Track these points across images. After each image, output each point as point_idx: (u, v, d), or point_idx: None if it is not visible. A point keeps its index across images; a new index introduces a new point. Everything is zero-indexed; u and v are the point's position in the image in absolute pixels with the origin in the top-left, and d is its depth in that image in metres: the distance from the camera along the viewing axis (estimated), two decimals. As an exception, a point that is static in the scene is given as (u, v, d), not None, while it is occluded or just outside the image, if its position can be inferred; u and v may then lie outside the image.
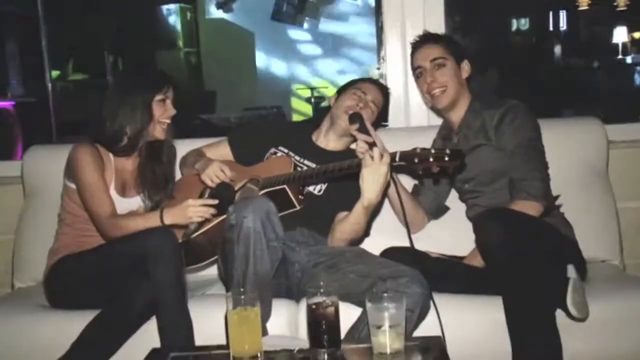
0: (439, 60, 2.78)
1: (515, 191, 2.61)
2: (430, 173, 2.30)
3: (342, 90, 2.99)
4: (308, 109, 7.74)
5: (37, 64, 4.75)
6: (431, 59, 2.78)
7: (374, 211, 2.67)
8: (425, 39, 2.86)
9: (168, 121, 2.75)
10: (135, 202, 2.78)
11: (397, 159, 2.35)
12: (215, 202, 2.60)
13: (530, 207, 2.55)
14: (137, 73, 2.91)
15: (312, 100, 7.62)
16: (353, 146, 2.73)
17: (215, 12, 8.11)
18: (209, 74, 8.33)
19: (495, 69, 6.01)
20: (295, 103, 8.03)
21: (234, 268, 2.38)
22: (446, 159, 2.24)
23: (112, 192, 2.69)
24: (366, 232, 2.80)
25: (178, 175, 3.00)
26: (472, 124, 2.79)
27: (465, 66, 2.82)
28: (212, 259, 2.70)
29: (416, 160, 2.28)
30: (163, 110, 2.73)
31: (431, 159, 2.25)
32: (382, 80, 3.43)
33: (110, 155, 2.73)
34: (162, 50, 8.13)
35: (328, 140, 2.96)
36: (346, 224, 2.65)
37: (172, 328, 2.37)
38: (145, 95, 2.68)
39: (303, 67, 8.11)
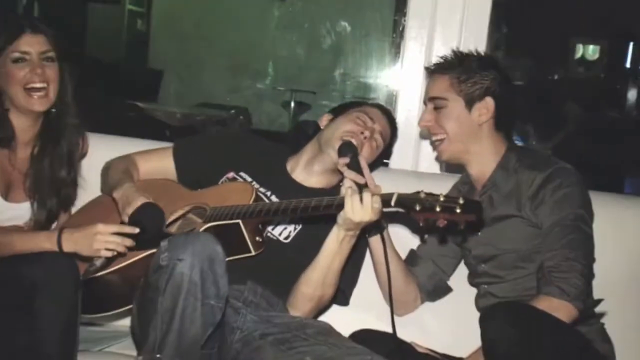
0: (438, 101, 2.85)
1: (545, 283, 2.61)
2: (435, 227, 2.33)
3: (340, 111, 3.07)
4: (284, 118, 7.74)
5: None
6: (431, 97, 2.87)
7: (356, 258, 2.82)
8: (434, 67, 2.94)
9: (40, 85, 2.77)
10: (25, 208, 2.82)
11: (392, 203, 2.40)
12: (135, 231, 2.60)
13: (560, 308, 2.54)
14: None
15: (292, 106, 7.60)
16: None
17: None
18: (158, 47, 8.28)
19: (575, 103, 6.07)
20: (268, 106, 8.04)
21: (151, 325, 2.38)
22: (458, 210, 2.25)
23: None
24: (343, 297, 2.93)
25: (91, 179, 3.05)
26: (501, 186, 2.84)
27: (486, 107, 2.84)
28: (127, 307, 2.70)
29: (418, 208, 2.31)
30: (28, 69, 2.76)
31: (438, 209, 2.27)
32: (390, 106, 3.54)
33: None
34: (97, 3, 8.07)
35: (309, 173, 3.04)
36: (313, 272, 2.72)
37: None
38: None
39: (289, 60, 8.03)
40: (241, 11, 7.73)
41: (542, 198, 2.71)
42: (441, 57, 2.93)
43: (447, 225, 2.28)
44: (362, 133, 2.91)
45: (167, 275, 2.36)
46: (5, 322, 2.42)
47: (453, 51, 2.94)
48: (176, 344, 2.36)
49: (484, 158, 2.88)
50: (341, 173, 2.78)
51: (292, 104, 7.44)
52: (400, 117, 3.56)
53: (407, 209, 2.35)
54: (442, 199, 2.29)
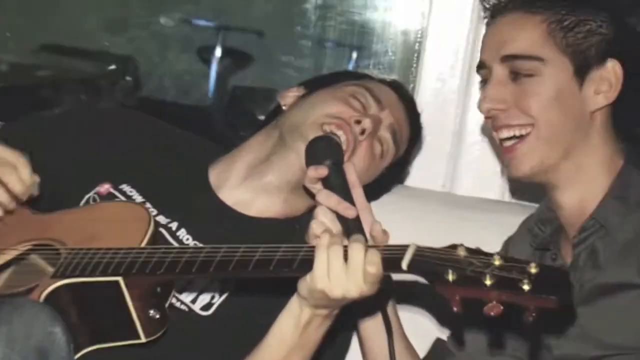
0: (522, 63, 2.43)
1: None
2: (479, 314, 1.88)
3: (322, 83, 2.73)
4: (204, 82, 6.71)
5: None
6: (505, 55, 2.48)
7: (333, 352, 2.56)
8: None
9: None
10: None
11: (405, 266, 2.02)
12: None
13: None
14: None
15: (217, 57, 6.57)
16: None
17: None
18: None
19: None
20: (176, 59, 6.93)
21: None
22: (526, 287, 1.83)
23: None
24: None
25: None
26: (615, 230, 2.41)
27: (604, 79, 2.41)
28: None
29: (451, 278, 1.91)
30: None
31: (489, 281, 1.86)
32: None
33: None
34: None
35: (255, 189, 2.65)
36: None
37: None
38: None
39: None
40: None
41: None
42: None
43: (504, 312, 1.83)
44: (357, 123, 2.52)
45: None
46: None
47: None
48: None
49: (589, 177, 2.41)
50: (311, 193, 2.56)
51: (219, 54, 6.52)
52: (423, 97, 3.12)
53: (432, 278, 1.95)
54: (497, 262, 1.89)
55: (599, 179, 2.44)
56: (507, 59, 2.42)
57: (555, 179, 2.46)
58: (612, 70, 2.39)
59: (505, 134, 2.43)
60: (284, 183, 2.61)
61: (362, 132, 2.54)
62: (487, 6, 2.58)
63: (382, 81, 2.80)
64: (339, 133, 2.51)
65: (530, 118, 2.39)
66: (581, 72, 2.38)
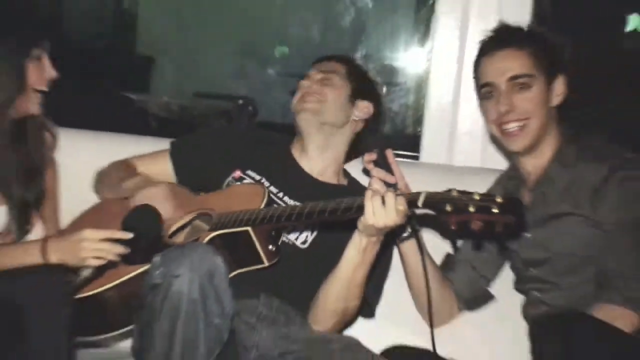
0: (523, 79, 2.81)
1: (607, 290, 2.60)
2: (469, 231, 2.28)
3: None
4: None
5: None
6: (510, 76, 2.82)
7: (382, 265, 2.84)
8: (505, 39, 2.89)
9: (46, 89, 2.79)
10: (1, 212, 2.83)
11: (420, 203, 2.34)
12: (128, 236, 2.60)
13: (623, 318, 2.52)
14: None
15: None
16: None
17: None
18: (148, 29, 8.26)
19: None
20: (279, 96, 7.49)
21: (151, 350, 2.38)
22: (495, 210, 2.19)
23: None
24: (370, 310, 2.94)
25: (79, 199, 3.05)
26: (557, 180, 2.83)
27: (560, 86, 2.85)
28: (128, 328, 2.68)
29: (449, 209, 2.25)
30: (40, 73, 2.78)
31: (472, 209, 2.21)
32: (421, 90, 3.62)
33: None
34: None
35: (310, 158, 3.09)
36: (334, 284, 2.72)
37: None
38: (16, 53, 2.72)
39: (303, 41, 7.89)
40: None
41: (605, 193, 2.69)
42: (506, 29, 2.93)
43: (483, 227, 2.23)
44: (303, 101, 3.04)
45: (162, 295, 2.33)
46: None
47: (502, 26, 2.97)
48: None
49: (544, 148, 2.87)
50: (337, 149, 3.08)
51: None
52: (431, 104, 3.61)
53: (437, 211, 2.29)
54: (477, 197, 2.23)
55: (549, 150, 2.85)
56: (512, 78, 2.79)
57: (529, 150, 2.84)
58: (563, 82, 2.83)
59: (511, 125, 2.81)
60: (315, 145, 3.09)
61: (303, 97, 3.03)
62: (484, 42, 2.95)
63: (323, 58, 3.21)
64: (303, 107, 3.03)
65: (528, 114, 2.78)
66: (549, 83, 2.81)
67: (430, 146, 3.58)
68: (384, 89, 6.44)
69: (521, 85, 2.81)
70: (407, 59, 6.69)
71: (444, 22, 3.59)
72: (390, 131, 6.20)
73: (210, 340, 2.37)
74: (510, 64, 2.82)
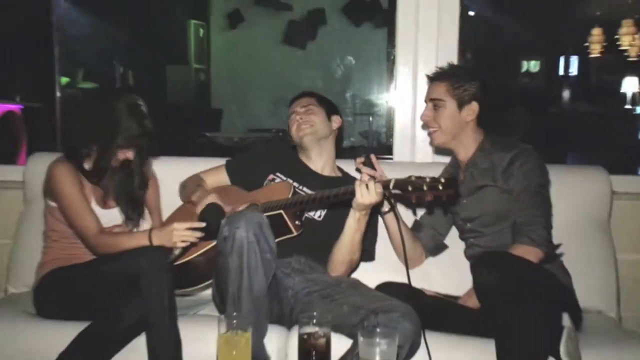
0: (437, 102, 2.73)
1: (518, 235, 2.58)
2: (425, 202, 2.26)
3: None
4: None
5: (48, 70, 4.63)
6: (431, 98, 2.75)
7: (372, 225, 2.75)
8: (435, 75, 2.82)
9: None
10: (116, 212, 2.76)
11: (391, 186, 2.30)
12: (202, 225, 2.56)
13: (530, 253, 2.51)
14: (103, 94, 2.86)
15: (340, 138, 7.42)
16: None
17: (228, 31, 8.12)
18: (217, 92, 8.28)
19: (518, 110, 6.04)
20: None
21: (229, 281, 2.33)
22: (440, 187, 2.16)
23: (94, 206, 2.67)
24: (369, 255, 2.84)
25: (174, 201, 3.02)
26: (479, 164, 2.74)
27: (473, 109, 2.74)
28: (208, 282, 2.66)
29: (410, 188, 2.21)
30: None
31: (425, 188, 2.18)
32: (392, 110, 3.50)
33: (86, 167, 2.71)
34: (173, 65, 8.08)
35: (314, 162, 2.99)
36: (341, 244, 2.63)
37: (161, 345, 2.34)
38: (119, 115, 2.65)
39: (312, 89, 7.98)
40: (274, 59, 7.70)
41: (512, 171, 2.64)
42: (439, 68, 2.82)
43: (434, 199, 2.21)
44: (300, 128, 2.93)
45: (231, 241, 2.32)
46: (122, 299, 2.40)
47: (448, 64, 2.86)
48: (249, 293, 2.33)
49: (468, 145, 2.79)
50: (333, 152, 3.02)
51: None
52: (398, 123, 3.54)
53: (403, 190, 2.25)
54: (428, 180, 2.20)
55: (472, 145, 2.76)
56: (431, 99, 2.73)
57: (452, 147, 2.79)
58: (474, 106, 2.72)
59: (430, 129, 2.75)
60: (316, 152, 2.96)
61: (298, 124, 2.92)
62: (427, 80, 2.84)
63: (295, 98, 3.06)
64: (301, 133, 2.91)
65: (438, 125, 2.72)
66: (460, 106, 2.70)
67: (399, 151, 3.48)
68: (370, 118, 6.53)
69: (435, 105, 2.74)
70: (380, 96, 6.70)
71: (402, 71, 3.48)
72: (373, 143, 6.21)
73: (266, 268, 2.36)
74: (434, 90, 2.76)
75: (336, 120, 2.99)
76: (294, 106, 2.97)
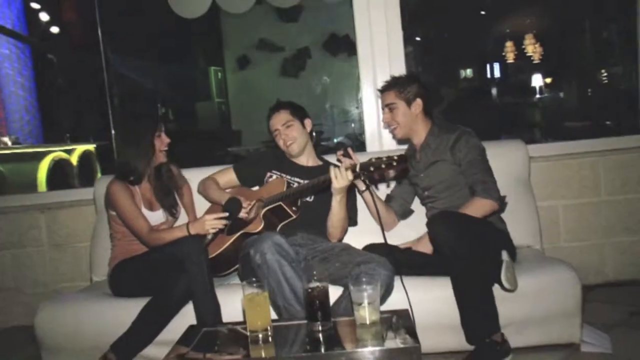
0: (390, 105, 2.65)
1: (476, 192, 2.48)
2: (387, 177, 2.22)
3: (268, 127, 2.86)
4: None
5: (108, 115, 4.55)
6: (386, 104, 2.67)
7: (352, 199, 2.67)
8: (383, 87, 2.72)
9: (166, 148, 2.70)
10: (161, 213, 2.69)
11: (357, 169, 2.20)
12: (225, 214, 2.49)
13: (488, 205, 2.44)
14: (135, 123, 2.82)
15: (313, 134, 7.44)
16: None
17: (239, 71, 8.08)
18: (236, 117, 8.26)
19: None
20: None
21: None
22: (394, 163, 2.07)
23: (144, 210, 2.63)
24: (354, 221, 2.74)
25: (205, 202, 2.92)
26: (431, 145, 2.65)
27: (418, 103, 2.64)
28: (234, 268, 2.61)
29: (372, 168, 2.11)
30: (160, 142, 2.69)
31: (383, 166, 2.08)
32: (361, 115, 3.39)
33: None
34: (200, 102, 8.08)
35: (299, 159, 2.83)
36: (331, 219, 2.54)
37: (204, 309, 2.32)
38: (146, 136, 2.64)
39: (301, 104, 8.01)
40: (275, 88, 7.63)
41: (459, 147, 2.57)
42: (386, 81, 2.75)
43: (393, 174, 2.19)
44: (286, 143, 2.77)
45: (265, 268, 2.25)
46: (171, 279, 2.35)
47: (391, 76, 2.78)
48: (294, 297, 2.27)
49: (420, 132, 2.71)
50: (312, 149, 2.85)
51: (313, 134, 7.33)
52: (367, 124, 3.46)
53: (367, 171, 2.14)
54: (384, 159, 2.09)
55: (424, 131, 2.67)
56: (386, 105, 2.65)
57: (410, 136, 2.70)
58: (418, 101, 2.64)
59: (391, 127, 2.67)
60: (304, 153, 2.80)
61: (288, 141, 2.74)
62: (379, 90, 2.76)
63: (269, 115, 2.84)
64: (288, 145, 2.74)
65: (396, 122, 2.64)
66: (408, 104, 2.63)
67: (370, 143, 3.42)
68: (352, 125, 6.51)
69: (389, 108, 2.67)
70: (352, 105, 6.68)
71: (366, 84, 3.43)
72: (351, 139, 6.19)
73: (295, 270, 2.29)
74: (385, 98, 2.69)
75: (308, 123, 2.82)
76: (275, 123, 2.75)
